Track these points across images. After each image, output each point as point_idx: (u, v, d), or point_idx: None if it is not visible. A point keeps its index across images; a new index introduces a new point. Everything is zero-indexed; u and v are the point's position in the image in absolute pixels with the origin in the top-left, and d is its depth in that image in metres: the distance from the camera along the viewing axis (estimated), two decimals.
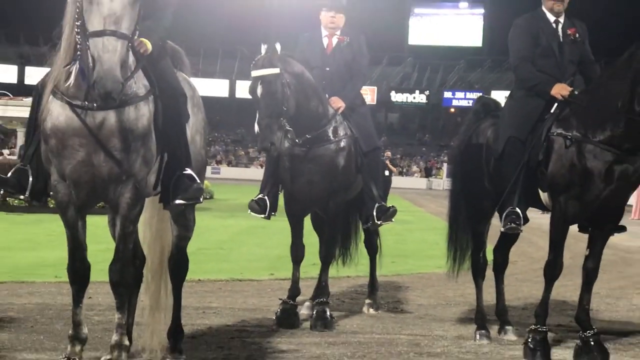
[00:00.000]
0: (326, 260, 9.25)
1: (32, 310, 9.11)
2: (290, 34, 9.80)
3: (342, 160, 8.93)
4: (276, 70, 8.35)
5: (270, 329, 8.69)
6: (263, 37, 8.55)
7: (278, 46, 8.49)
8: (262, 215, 9.09)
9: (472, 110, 9.49)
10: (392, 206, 9.30)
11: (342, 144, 8.94)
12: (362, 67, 9.48)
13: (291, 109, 8.46)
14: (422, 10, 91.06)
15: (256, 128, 8.44)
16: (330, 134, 8.91)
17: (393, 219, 9.34)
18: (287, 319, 8.88)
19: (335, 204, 9.09)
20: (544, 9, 8.40)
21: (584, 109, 7.87)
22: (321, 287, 9.16)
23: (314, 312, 8.96)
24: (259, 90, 8.34)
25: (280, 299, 9.20)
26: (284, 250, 9.81)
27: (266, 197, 9.07)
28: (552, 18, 8.37)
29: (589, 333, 7.88)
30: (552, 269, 8.01)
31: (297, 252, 9.15)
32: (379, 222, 9.21)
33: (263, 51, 8.50)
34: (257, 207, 9.06)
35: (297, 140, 8.76)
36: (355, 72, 9.33)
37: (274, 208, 9.11)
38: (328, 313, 8.99)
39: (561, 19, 8.37)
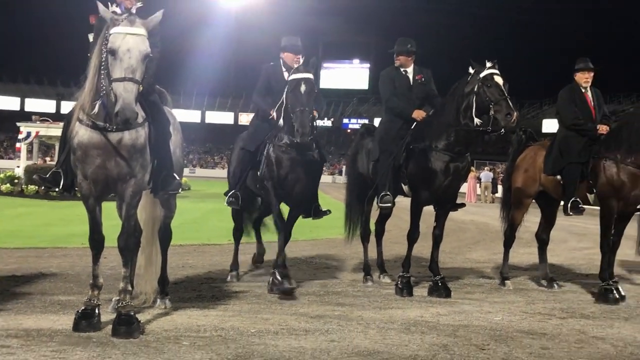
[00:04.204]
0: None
1: (65, 267, 8.94)
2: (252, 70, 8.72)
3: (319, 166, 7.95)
4: (312, 76, 7.41)
5: (228, 277, 8.54)
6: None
7: (313, 61, 7.55)
8: (237, 207, 8.23)
9: (359, 132, 9.51)
10: (328, 210, 8.15)
11: (316, 155, 7.77)
12: (319, 94, 7.71)
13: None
14: (329, 64, 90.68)
15: (274, 115, 7.51)
16: (314, 145, 7.61)
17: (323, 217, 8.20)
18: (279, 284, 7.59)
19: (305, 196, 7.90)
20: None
21: (429, 127, 7.92)
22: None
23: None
24: (303, 88, 7.24)
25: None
26: None
27: (238, 193, 8.07)
28: (403, 69, 8.38)
29: (437, 277, 7.99)
30: (412, 235, 8.10)
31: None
32: (313, 218, 8.24)
33: (301, 62, 7.60)
34: (232, 200, 8.07)
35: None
36: (316, 98, 7.47)
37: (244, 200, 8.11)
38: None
39: (410, 69, 8.36)
